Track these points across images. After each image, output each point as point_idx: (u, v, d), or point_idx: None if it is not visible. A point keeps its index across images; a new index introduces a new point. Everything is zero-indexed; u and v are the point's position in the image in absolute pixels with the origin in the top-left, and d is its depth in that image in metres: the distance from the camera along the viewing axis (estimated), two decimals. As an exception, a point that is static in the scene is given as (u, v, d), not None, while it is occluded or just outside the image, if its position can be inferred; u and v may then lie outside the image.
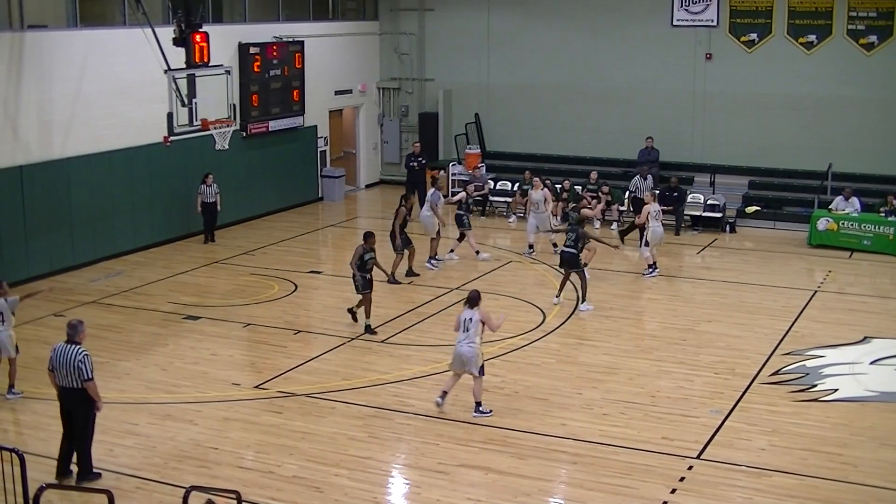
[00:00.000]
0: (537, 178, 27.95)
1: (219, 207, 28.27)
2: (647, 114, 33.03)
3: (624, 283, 24.39)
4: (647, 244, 25.05)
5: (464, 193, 27.06)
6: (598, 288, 23.38)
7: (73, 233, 25.44)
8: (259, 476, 14.51)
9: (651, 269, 25.01)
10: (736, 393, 17.49)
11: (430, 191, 26.42)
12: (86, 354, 14.12)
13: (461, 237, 26.45)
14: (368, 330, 20.63)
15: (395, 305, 22.48)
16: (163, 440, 15.81)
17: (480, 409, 16.45)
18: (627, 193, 30.32)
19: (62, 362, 14.06)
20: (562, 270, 22.97)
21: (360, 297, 20.91)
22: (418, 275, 24.71)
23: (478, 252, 26.39)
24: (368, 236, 20.87)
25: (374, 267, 20.93)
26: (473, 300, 16.57)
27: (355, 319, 21.10)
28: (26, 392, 17.33)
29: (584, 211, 25.11)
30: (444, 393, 16.71)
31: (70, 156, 25.23)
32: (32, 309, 21.51)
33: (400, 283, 24.07)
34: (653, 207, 25.12)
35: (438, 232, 25.75)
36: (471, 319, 16.35)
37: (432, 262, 25.68)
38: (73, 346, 14.16)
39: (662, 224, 25.32)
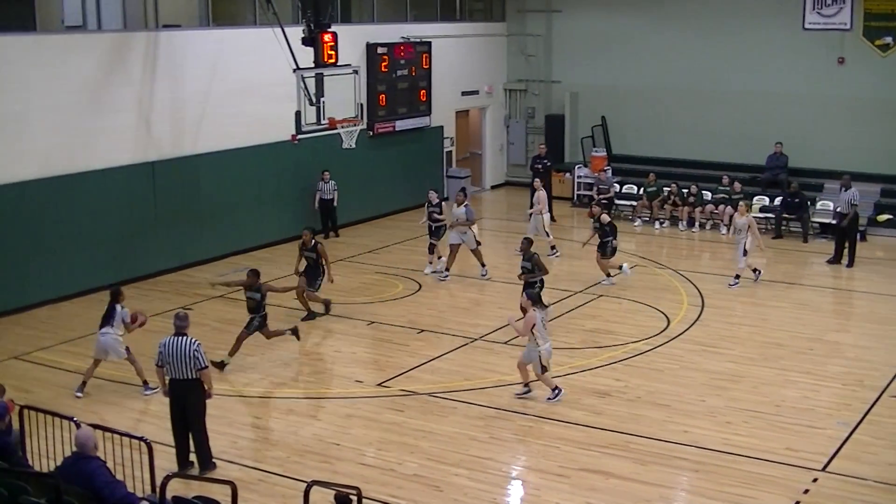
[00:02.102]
0: (537, 179, 28.13)
1: (335, 204, 28.68)
2: (776, 118, 32.47)
3: (750, 290, 24.01)
4: (745, 253, 24.04)
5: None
6: (724, 295, 23.08)
7: (201, 228, 25.90)
8: (380, 473, 14.59)
9: (737, 280, 24.24)
10: (864, 405, 17.08)
11: (463, 207, 24.92)
12: (199, 343, 14.40)
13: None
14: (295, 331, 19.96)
15: (517, 308, 22.37)
16: (286, 434, 15.99)
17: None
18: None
19: (174, 354, 14.29)
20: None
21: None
22: (314, 317, 21.85)
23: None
24: (252, 273, 19.20)
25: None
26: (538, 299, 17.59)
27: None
28: (155, 383, 17.63)
29: (603, 217, 24.45)
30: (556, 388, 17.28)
31: (200, 152, 25.72)
32: (161, 302, 21.98)
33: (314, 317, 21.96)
34: (741, 221, 24.17)
35: (477, 242, 25.08)
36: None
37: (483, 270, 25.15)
38: (183, 337, 14.41)
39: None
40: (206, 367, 14.41)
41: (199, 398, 14.42)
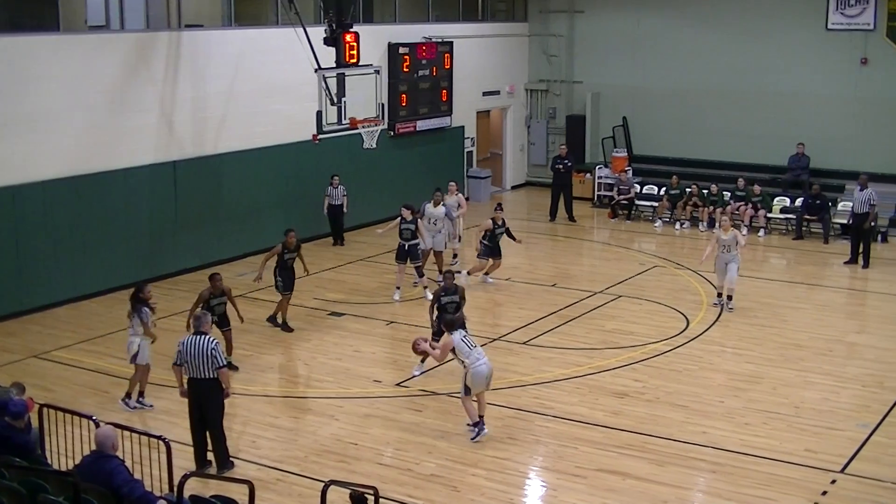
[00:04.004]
0: (453, 182, 26.83)
1: (345, 209, 28.11)
2: (798, 119, 32.37)
3: (769, 291, 23.95)
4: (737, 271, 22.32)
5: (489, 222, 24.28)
6: (744, 296, 23.00)
7: (222, 227, 26.00)
8: (398, 473, 14.63)
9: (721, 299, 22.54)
10: (884, 407, 17.02)
11: (441, 207, 24.60)
12: (217, 342, 14.48)
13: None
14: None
15: (538, 308, 22.44)
16: (304, 434, 16.05)
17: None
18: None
19: (193, 353, 14.32)
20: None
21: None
22: (291, 330, 21.15)
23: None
24: (214, 278, 18.81)
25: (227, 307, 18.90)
26: (455, 323, 16.15)
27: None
28: (175, 382, 17.72)
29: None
30: (482, 418, 15.84)
31: (222, 152, 25.81)
32: (182, 301, 22.00)
33: (278, 325, 21.28)
34: (727, 236, 22.22)
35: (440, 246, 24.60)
36: (469, 336, 16.01)
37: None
38: (202, 336, 14.46)
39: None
40: (224, 366, 14.47)
41: (218, 397, 14.47)
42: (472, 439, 15.65)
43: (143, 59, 23.90)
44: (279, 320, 21.23)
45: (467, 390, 15.72)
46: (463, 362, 15.72)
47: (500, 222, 23.96)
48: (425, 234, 23.74)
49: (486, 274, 24.31)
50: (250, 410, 16.78)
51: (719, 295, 22.56)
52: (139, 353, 16.85)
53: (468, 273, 24.35)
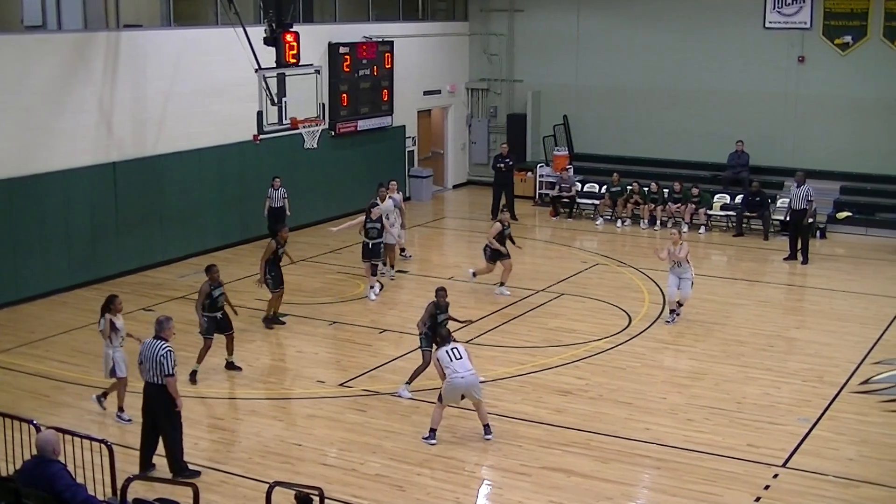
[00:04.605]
0: (394, 182, 26.39)
1: (287, 212, 27.30)
2: (737, 117, 32.67)
3: (710, 288, 24.12)
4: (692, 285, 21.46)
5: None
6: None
7: (163, 228, 25.81)
8: (342, 473, 14.60)
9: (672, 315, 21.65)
10: (824, 401, 17.23)
11: (389, 200, 25.18)
12: (169, 350, 14.22)
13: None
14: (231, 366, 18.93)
15: (480, 307, 22.48)
16: (247, 435, 15.98)
17: (490, 430, 15.78)
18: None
19: (147, 357, 14.23)
20: None
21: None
22: (284, 323, 21.59)
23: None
24: (211, 269, 18.60)
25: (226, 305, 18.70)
26: (446, 339, 15.99)
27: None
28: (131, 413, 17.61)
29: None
30: (434, 430, 15.68)
31: (162, 153, 25.60)
32: (124, 303, 21.78)
33: (273, 327, 21.34)
34: (681, 250, 21.27)
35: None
36: (456, 348, 15.67)
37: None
38: (159, 341, 14.33)
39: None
40: (171, 374, 14.18)
41: (167, 405, 14.27)
42: (423, 438, 15.64)
43: (82, 60, 23.64)
44: (270, 314, 21.33)
45: (440, 398, 15.69)
46: (443, 372, 15.61)
47: (506, 223, 23.68)
48: (391, 230, 24.16)
49: (502, 285, 23.61)
50: (192, 412, 16.62)
51: (672, 311, 21.58)
52: (115, 366, 16.39)
53: (473, 274, 24.19)
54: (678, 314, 21.61)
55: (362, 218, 23.57)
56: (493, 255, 23.63)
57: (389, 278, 24.51)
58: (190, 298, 22.39)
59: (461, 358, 15.57)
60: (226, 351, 18.71)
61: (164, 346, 14.25)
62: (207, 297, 18.15)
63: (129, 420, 16.28)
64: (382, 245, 23.78)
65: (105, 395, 16.76)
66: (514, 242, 23.99)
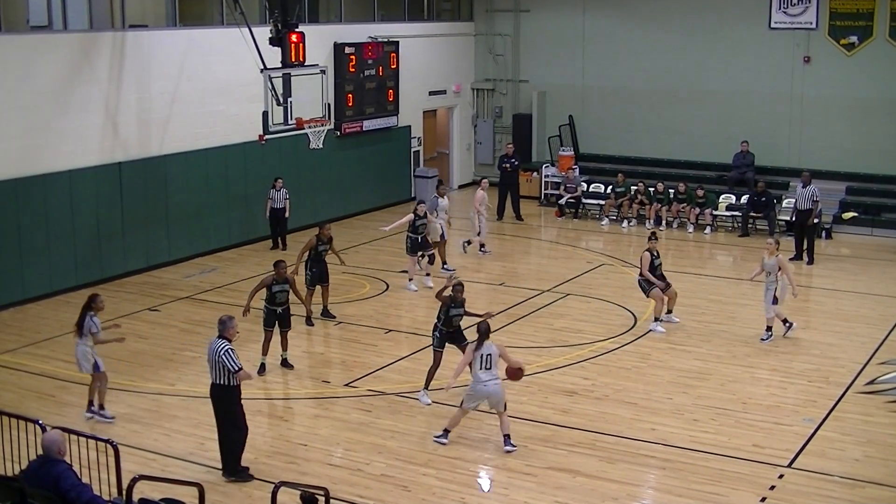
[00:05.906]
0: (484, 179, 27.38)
1: (287, 214, 27.47)
2: (742, 117, 32.65)
3: (716, 288, 24.11)
4: (775, 300, 20.50)
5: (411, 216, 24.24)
6: (692, 293, 23.15)
7: (168, 228, 25.82)
8: (348, 474, 14.60)
9: (770, 333, 20.56)
10: (830, 402, 17.22)
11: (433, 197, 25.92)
12: (228, 349, 14.19)
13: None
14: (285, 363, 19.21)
15: (486, 307, 22.42)
16: (253, 436, 15.89)
17: (512, 441, 15.54)
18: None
19: (209, 357, 14.30)
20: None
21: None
22: (334, 316, 21.91)
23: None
24: (278, 265, 18.92)
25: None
26: (486, 332, 15.48)
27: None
28: (122, 384, 17.62)
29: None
30: (448, 431, 15.73)
31: (167, 153, 25.61)
32: (128, 303, 21.90)
33: (313, 324, 21.52)
34: (770, 261, 20.57)
35: (442, 236, 25.27)
36: (490, 355, 15.30)
37: (444, 268, 25.17)
38: (221, 340, 14.31)
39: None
40: (238, 370, 14.18)
41: (223, 404, 14.37)
42: (435, 437, 15.67)
43: (87, 60, 23.67)
44: (312, 312, 21.56)
45: (462, 402, 15.65)
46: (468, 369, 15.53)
47: (655, 252, 21.28)
48: (437, 225, 24.89)
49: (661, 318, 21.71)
50: (199, 412, 16.63)
51: (768, 328, 20.61)
52: (97, 361, 16.42)
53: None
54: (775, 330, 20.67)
55: (411, 216, 23.90)
56: (644, 286, 21.35)
57: (450, 275, 23.81)
58: (195, 298, 22.46)
59: (490, 368, 15.30)
60: (280, 347, 19.04)
61: (223, 345, 14.22)
62: (268, 290, 18.62)
63: (113, 418, 16.43)
64: (429, 239, 24.45)
65: (91, 402, 16.66)
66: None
